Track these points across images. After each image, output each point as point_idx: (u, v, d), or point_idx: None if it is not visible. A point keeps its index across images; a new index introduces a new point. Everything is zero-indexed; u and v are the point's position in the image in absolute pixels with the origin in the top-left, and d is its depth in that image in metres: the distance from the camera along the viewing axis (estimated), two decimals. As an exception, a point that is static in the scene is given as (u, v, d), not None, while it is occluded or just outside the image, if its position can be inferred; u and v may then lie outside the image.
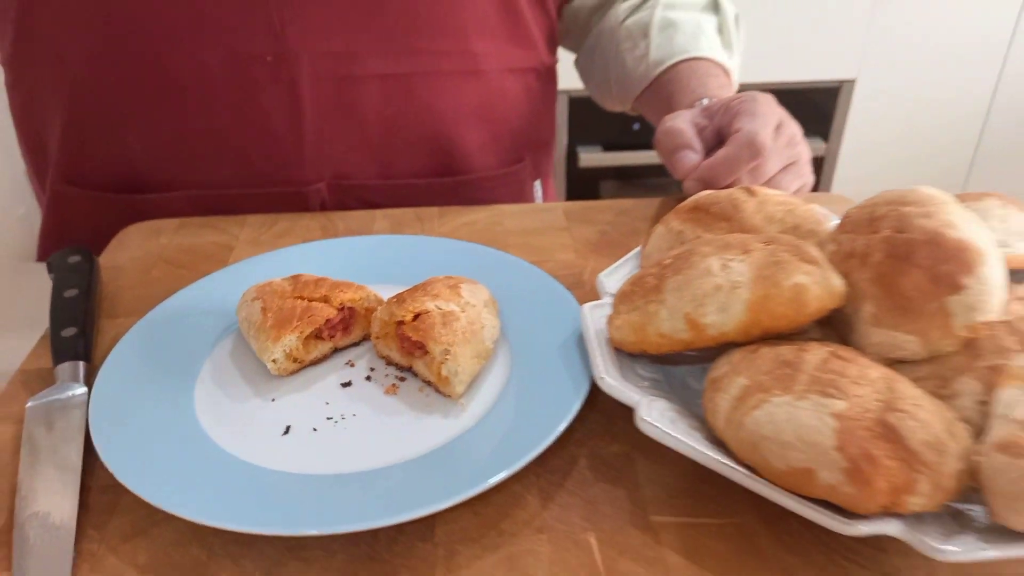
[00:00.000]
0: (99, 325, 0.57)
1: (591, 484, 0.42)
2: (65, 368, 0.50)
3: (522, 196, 0.87)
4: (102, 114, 0.73)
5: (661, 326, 0.41)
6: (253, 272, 0.59)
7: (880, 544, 0.38)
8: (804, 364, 0.37)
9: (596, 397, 0.46)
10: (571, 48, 0.93)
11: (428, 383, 0.48)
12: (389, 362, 0.51)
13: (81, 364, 0.50)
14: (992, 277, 0.38)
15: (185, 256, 0.66)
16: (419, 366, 0.48)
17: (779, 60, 1.90)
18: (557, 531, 0.39)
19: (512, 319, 0.53)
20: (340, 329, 0.51)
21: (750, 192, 0.50)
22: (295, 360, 0.49)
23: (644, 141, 1.75)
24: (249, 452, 0.43)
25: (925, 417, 0.35)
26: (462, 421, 0.45)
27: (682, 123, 0.65)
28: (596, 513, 0.40)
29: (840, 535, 0.35)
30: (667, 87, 0.76)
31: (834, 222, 0.48)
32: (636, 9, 0.83)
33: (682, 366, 0.47)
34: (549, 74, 0.85)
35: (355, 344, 0.53)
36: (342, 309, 0.51)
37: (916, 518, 0.35)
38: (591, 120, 1.90)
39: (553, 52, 0.85)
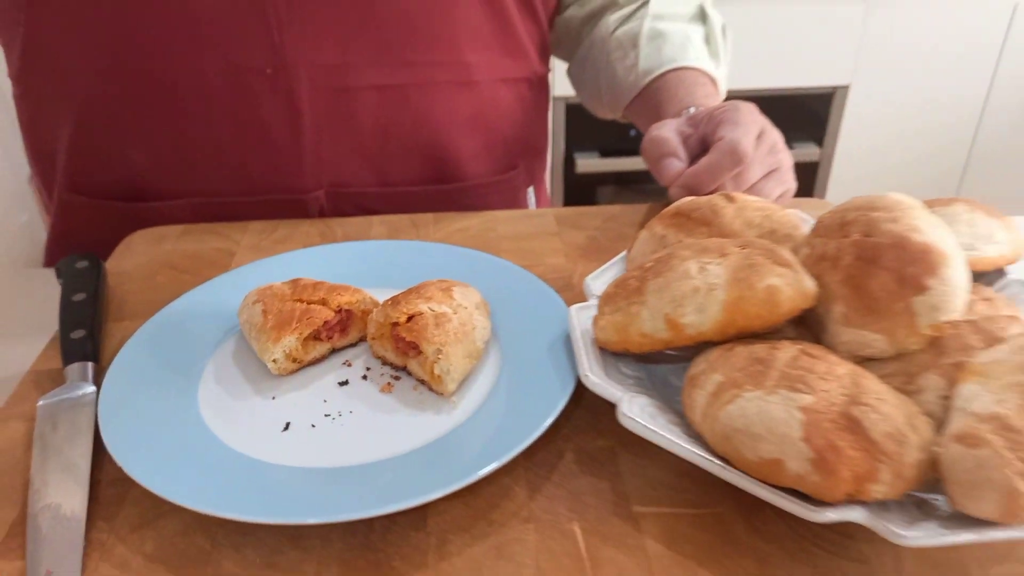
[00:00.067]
0: (106, 328, 0.58)
1: (576, 476, 0.44)
2: (74, 368, 0.51)
3: (515, 202, 0.88)
4: (107, 127, 0.74)
5: (643, 326, 0.43)
6: (254, 276, 0.60)
7: (848, 531, 0.40)
8: (775, 361, 0.39)
9: (582, 394, 0.47)
10: (563, 58, 0.94)
11: (422, 381, 0.50)
12: (384, 362, 0.52)
13: (90, 365, 0.52)
14: (955, 278, 0.40)
15: (188, 261, 0.67)
16: (413, 365, 0.50)
17: (774, 66, 1.92)
18: (543, 521, 0.41)
19: (503, 320, 0.54)
20: (338, 330, 0.53)
21: (729, 198, 0.52)
22: (294, 360, 0.51)
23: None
24: (250, 447, 0.45)
25: (887, 410, 0.36)
26: (454, 417, 0.47)
27: (667, 132, 0.67)
28: (581, 504, 0.42)
29: (810, 523, 0.37)
30: (655, 96, 0.78)
31: (809, 226, 0.50)
32: (626, 20, 0.84)
33: (663, 364, 0.49)
34: (541, 83, 0.87)
35: (352, 345, 0.54)
36: (340, 311, 0.53)
37: (881, 506, 0.37)
38: (588, 127, 1.91)
39: (545, 62, 0.86)
